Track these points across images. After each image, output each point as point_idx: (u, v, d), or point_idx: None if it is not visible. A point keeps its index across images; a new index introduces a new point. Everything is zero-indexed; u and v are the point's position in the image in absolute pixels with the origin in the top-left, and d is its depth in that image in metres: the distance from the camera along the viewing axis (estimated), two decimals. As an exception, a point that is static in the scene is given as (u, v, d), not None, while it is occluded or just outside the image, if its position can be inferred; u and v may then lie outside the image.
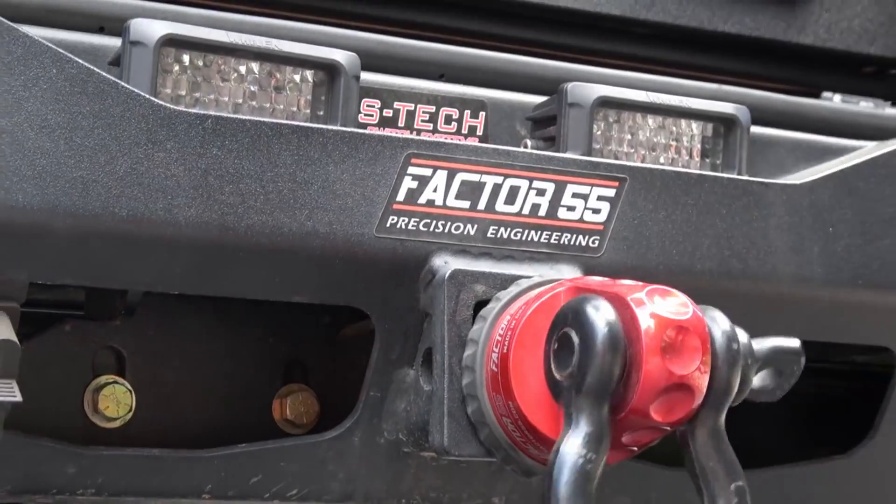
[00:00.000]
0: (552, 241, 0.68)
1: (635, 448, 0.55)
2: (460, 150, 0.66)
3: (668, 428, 0.52)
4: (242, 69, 0.64)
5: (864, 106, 0.96)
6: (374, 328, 0.67)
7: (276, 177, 0.60)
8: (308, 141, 0.61)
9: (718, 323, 0.52)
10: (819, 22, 0.92)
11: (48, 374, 0.71)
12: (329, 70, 0.65)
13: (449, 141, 0.69)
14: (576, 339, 0.50)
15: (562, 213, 0.69)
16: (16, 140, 0.54)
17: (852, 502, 0.88)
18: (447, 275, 0.63)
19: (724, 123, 0.78)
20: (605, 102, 0.72)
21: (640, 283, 0.53)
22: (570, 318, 0.51)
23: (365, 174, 0.63)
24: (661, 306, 0.49)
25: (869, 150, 0.83)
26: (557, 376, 0.52)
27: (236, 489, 0.69)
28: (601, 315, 0.49)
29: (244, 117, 0.60)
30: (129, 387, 0.70)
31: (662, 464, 0.79)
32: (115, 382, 0.69)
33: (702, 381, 0.51)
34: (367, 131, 0.67)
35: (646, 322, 0.49)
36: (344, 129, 0.63)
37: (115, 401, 0.69)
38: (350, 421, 0.69)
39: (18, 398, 0.55)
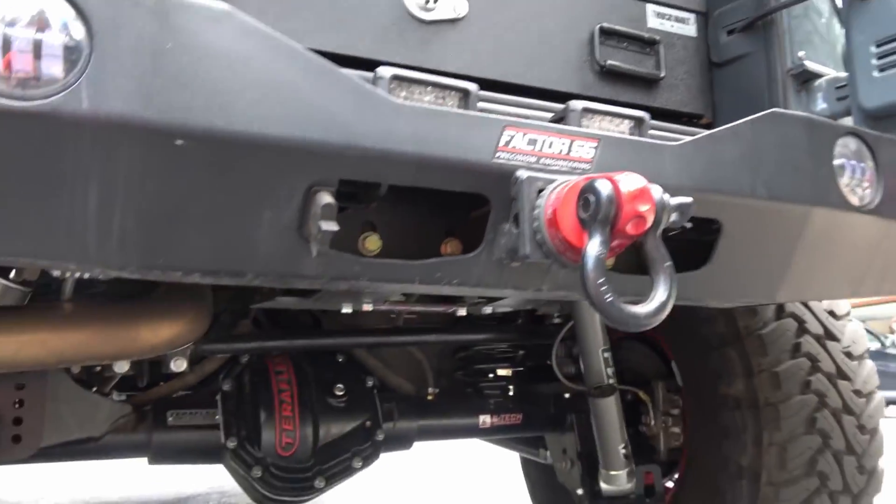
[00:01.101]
0: (570, 164, 1.51)
1: (619, 249, 1.36)
2: (526, 124, 1.48)
3: (634, 238, 1.32)
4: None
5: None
6: (490, 205, 1.47)
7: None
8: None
9: (656, 190, 1.33)
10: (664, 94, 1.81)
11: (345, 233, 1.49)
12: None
13: (521, 120, 1.50)
14: (593, 197, 1.31)
15: (574, 151, 1.51)
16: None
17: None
18: (526, 178, 1.44)
19: (638, 120, 1.63)
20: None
21: (619, 172, 1.35)
22: (590, 188, 1.32)
23: (489, 134, 1.44)
24: (631, 181, 1.30)
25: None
26: (584, 216, 1.32)
27: (428, 280, 1.49)
28: (604, 185, 1.30)
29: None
30: (379, 237, 1.49)
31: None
32: (372, 234, 1.49)
33: (650, 216, 1.31)
34: (490, 116, 1.47)
35: (624, 188, 1.30)
36: (486, 115, 1.44)
37: (373, 242, 1.48)
38: (479, 249, 1.50)
39: (336, 228, 1.32)
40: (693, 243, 1.77)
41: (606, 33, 1.95)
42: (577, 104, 1.59)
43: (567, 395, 3.33)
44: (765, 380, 2.74)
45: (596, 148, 1.53)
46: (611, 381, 2.89)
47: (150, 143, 1.19)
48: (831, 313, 2.89)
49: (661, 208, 1.31)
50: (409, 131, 1.35)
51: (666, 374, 3.23)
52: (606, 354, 2.89)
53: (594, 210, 1.28)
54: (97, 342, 1.81)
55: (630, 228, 1.28)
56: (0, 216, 1.17)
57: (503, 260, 1.51)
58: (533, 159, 1.47)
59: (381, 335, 2.76)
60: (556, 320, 3.23)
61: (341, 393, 2.73)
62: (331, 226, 1.28)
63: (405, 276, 1.46)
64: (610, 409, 2.85)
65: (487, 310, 2.26)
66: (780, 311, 2.82)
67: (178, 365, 2.41)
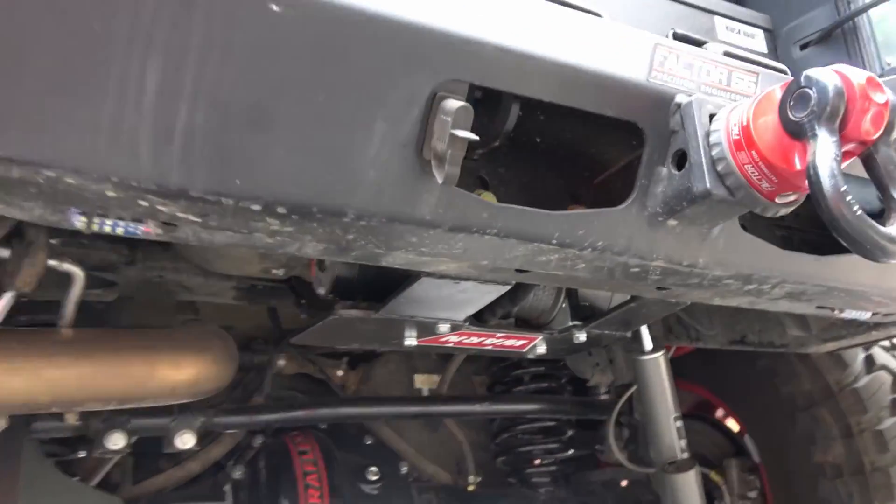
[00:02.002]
0: (731, 97, 1.21)
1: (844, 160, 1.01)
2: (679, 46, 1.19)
3: (864, 144, 1.00)
4: None
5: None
6: (645, 139, 1.15)
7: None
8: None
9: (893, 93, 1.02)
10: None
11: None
12: None
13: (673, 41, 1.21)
14: (812, 92, 1.00)
15: (734, 83, 1.21)
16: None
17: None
18: (692, 101, 1.13)
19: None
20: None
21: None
22: (807, 81, 1.01)
23: (641, 50, 1.14)
24: (854, 71, 1.00)
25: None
26: (798, 118, 1.01)
27: (569, 238, 1.14)
28: (827, 74, 1.00)
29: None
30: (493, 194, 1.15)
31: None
32: (484, 192, 1.14)
33: (886, 112, 0.99)
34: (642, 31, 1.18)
35: (854, 78, 0.99)
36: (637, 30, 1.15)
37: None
38: (630, 199, 1.16)
39: (475, 137, 0.97)
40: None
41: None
42: (716, 45, 1.31)
43: (624, 483, 2.90)
44: (868, 441, 2.36)
45: (756, 83, 1.24)
46: (685, 454, 2.47)
47: (238, 3, 0.86)
48: (921, 366, 2.57)
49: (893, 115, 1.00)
50: (551, 34, 1.05)
51: (736, 452, 2.84)
52: (679, 423, 2.48)
53: (816, 107, 0.97)
54: (104, 376, 1.40)
55: (866, 127, 0.97)
56: (16, 101, 0.81)
57: (658, 215, 1.18)
58: (692, 86, 1.17)
59: (418, 404, 2.33)
60: (604, 396, 2.84)
61: (375, 478, 2.27)
62: (466, 134, 0.94)
63: (541, 231, 1.12)
64: (690, 488, 2.42)
65: (542, 350, 1.87)
66: (871, 364, 2.49)
67: (185, 441, 1.96)
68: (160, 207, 0.94)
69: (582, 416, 2.66)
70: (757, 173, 1.06)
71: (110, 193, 0.90)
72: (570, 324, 1.71)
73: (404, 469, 2.41)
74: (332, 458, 2.23)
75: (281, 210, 0.96)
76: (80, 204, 0.93)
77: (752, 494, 2.72)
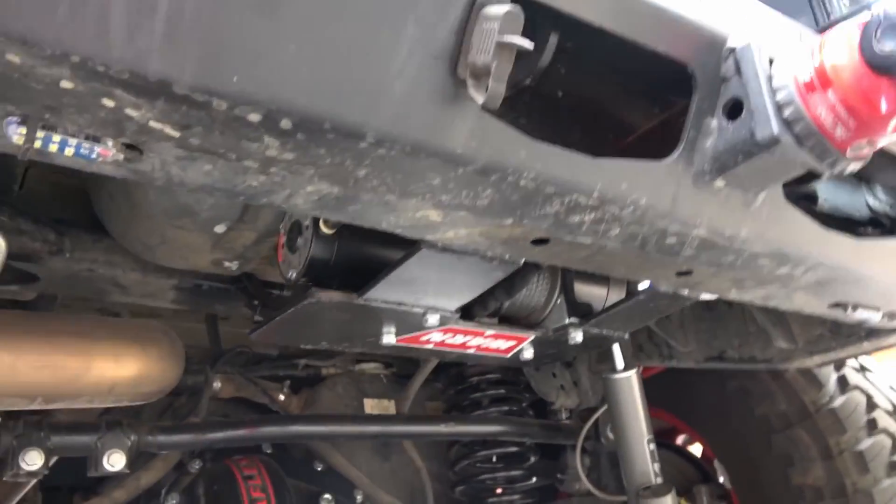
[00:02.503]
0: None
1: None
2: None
3: None
4: None
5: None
6: (696, 85, 1.01)
7: None
8: None
9: None
10: None
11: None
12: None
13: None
14: (903, 20, 0.87)
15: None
16: None
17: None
18: (750, 43, 0.99)
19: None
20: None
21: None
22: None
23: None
24: None
25: None
26: (882, 51, 0.88)
27: (612, 192, 0.97)
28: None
29: None
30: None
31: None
32: None
33: None
34: None
35: None
36: None
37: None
38: (677, 152, 1.01)
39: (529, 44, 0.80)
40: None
41: None
42: None
43: (588, 514, 2.72)
44: (849, 462, 2.26)
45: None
46: (659, 478, 2.31)
47: None
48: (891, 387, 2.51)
49: None
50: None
51: (703, 479, 2.70)
52: (652, 446, 2.33)
53: (909, 33, 0.84)
54: (28, 366, 1.14)
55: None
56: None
57: (705, 174, 1.03)
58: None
59: (378, 423, 2.10)
60: (566, 421, 2.68)
61: (329, 506, 2.03)
62: (518, 40, 0.77)
63: (583, 180, 0.95)
64: (667, 514, 2.26)
65: (528, 355, 1.69)
66: (844, 385, 2.41)
67: (114, 462, 1.68)
68: (130, 112, 0.73)
69: (547, 440, 2.49)
70: (832, 118, 0.92)
71: (66, 84, 0.68)
72: (567, 321, 1.54)
73: (360, 498, 2.17)
74: (281, 483, 1.98)
75: (285, 124, 0.76)
76: (20, 102, 0.71)
77: (723, 523, 2.58)
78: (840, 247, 1.23)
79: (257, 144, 0.79)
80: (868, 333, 1.90)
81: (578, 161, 0.94)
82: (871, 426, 2.33)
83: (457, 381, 2.69)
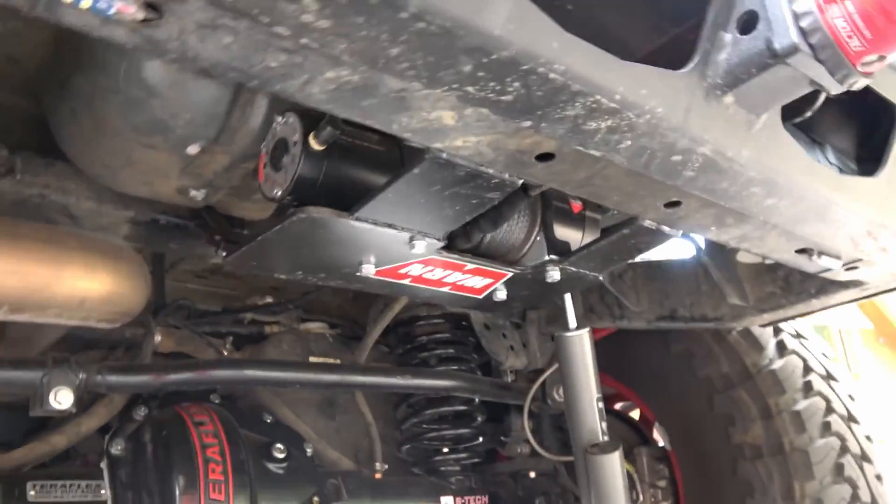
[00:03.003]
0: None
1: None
2: None
3: None
4: None
5: None
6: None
7: None
8: None
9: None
10: None
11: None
12: None
13: None
14: None
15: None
16: None
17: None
18: (766, -42, 1.01)
19: None
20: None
21: None
22: None
23: None
24: None
25: None
26: (901, -38, 0.91)
27: (632, 97, 0.97)
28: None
29: None
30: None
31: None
32: None
33: None
34: None
35: None
36: None
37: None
38: (693, 63, 1.02)
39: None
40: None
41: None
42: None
43: (532, 475, 2.74)
44: (787, 421, 2.35)
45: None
46: (606, 436, 2.35)
47: None
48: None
49: None
50: None
51: (643, 442, 2.77)
52: (600, 405, 2.36)
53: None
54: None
55: None
56: None
57: (717, 87, 1.04)
58: (755, -53, 1.04)
59: (335, 372, 2.06)
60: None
61: (282, 455, 1.97)
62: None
63: (608, 80, 0.94)
64: (615, 470, 2.29)
65: (502, 295, 1.69)
66: (783, 349, 2.50)
67: (62, 399, 1.59)
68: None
69: (497, 398, 2.49)
70: (848, 28, 0.94)
71: None
72: (547, 258, 1.54)
73: (309, 451, 2.12)
74: (234, 430, 1.91)
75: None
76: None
77: (662, 483, 2.64)
78: (824, 180, 1.26)
79: (295, 6, 0.75)
80: (817, 291, 1.97)
81: (606, 60, 0.93)
82: (807, 388, 2.42)
83: (405, 341, 2.66)
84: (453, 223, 1.31)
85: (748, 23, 1.01)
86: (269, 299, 2.72)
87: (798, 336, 2.58)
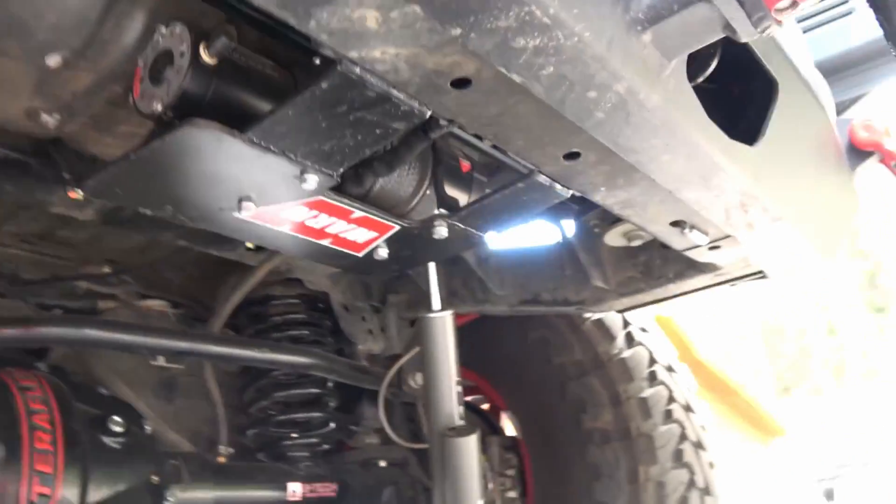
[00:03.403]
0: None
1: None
2: None
3: None
4: None
5: None
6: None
7: None
8: None
9: None
10: None
11: None
12: None
13: None
14: None
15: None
16: None
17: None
18: None
19: None
20: None
21: None
22: None
23: None
24: None
25: None
26: None
27: (564, 13, 0.95)
28: None
29: None
30: None
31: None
32: None
33: None
34: None
35: None
36: None
37: None
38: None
39: None
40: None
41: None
42: None
43: (382, 464, 2.67)
44: (634, 407, 2.44)
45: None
46: (462, 421, 2.33)
47: None
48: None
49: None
50: None
51: (492, 431, 2.77)
52: (459, 389, 2.34)
53: None
54: None
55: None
56: None
57: (637, 23, 1.05)
58: None
59: (184, 339, 1.89)
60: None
61: (120, 429, 1.78)
62: None
63: (546, -10, 0.91)
64: (471, 453, 2.27)
65: (383, 253, 1.63)
66: (631, 340, 2.60)
67: None
68: None
69: (354, 381, 2.40)
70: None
71: None
72: (437, 212, 1.49)
73: (149, 429, 1.93)
74: (66, 399, 1.70)
75: None
76: None
77: (511, 472, 2.66)
78: (715, 140, 1.31)
79: None
80: (675, 275, 2.06)
81: (545, -33, 0.90)
82: (652, 377, 2.53)
83: (257, 321, 2.52)
84: (352, 156, 1.23)
85: None
86: (106, 269, 2.48)
87: (644, 330, 2.69)
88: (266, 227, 1.42)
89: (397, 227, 1.49)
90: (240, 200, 1.31)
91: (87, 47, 1.26)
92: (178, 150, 1.16)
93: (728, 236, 1.68)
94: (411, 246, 1.59)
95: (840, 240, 2.03)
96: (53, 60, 1.27)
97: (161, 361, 2.47)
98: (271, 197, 1.32)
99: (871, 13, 1.56)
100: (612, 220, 2.02)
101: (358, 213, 1.42)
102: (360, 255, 1.59)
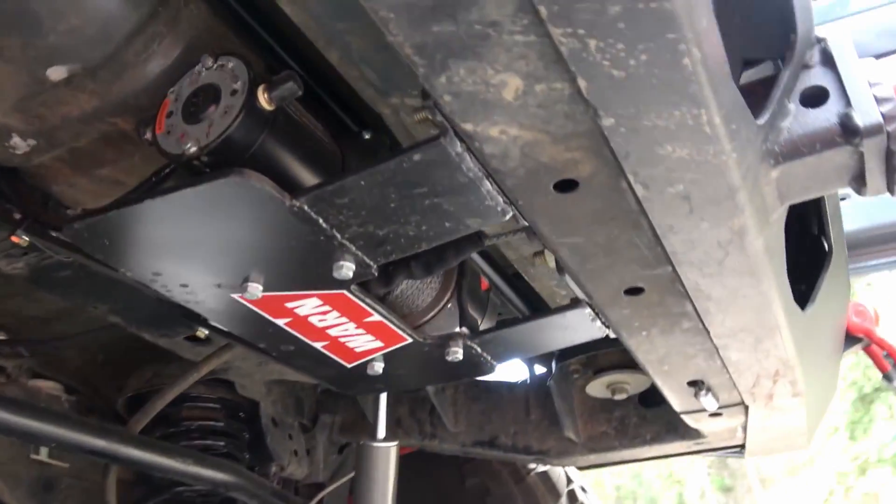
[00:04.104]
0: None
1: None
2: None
3: None
4: None
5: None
6: (794, 46, 0.93)
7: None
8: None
9: None
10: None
11: None
12: None
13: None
14: None
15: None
16: None
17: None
18: (844, 36, 0.96)
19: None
20: None
21: None
22: None
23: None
24: None
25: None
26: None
27: (723, 133, 0.83)
28: None
29: None
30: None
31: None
32: None
33: None
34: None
35: None
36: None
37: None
38: (763, 119, 0.91)
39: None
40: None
41: None
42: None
43: None
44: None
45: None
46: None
47: None
48: None
49: None
50: None
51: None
52: None
53: None
54: None
55: None
56: None
57: (770, 155, 0.94)
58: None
59: (105, 437, 1.57)
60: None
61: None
62: None
63: (721, 92, 0.79)
64: None
65: (378, 368, 1.41)
66: (574, 499, 2.42)
67: None
68: None
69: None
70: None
71: None
72: (458, 330, 1.29)
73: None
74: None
75: None
76: None
77: None
78: (785, 300, 1.20)
79: None
80: (652, 437, 1.92)
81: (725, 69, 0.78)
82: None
83: (166, 422, 2.18)
84: (404, 249, 1.04)
85: (816, 98, 0.94)
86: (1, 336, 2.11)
87: (584, 490, 2.52)
88: (258, 316, 1.19)
89: (409, 341, 1.28)
90: (246, 279, 1.08)
91: (103, 66, 1.05)
92: (205, 204, 0.94)
93: (740, 405, 1.56)
94: (412, 365, 1.37)
95: (818, 425, 1.96)
96: (57, 73, 1.05)
97: (42, 456, 2.08)
98: (287, 282, 1.10)
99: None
100: (599, 368, 1.88)
101: (375, 318, 1.21)
102: (349, 366, 1.37)
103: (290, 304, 1.16)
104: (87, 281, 1.59)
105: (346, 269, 1.04)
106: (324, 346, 1.29)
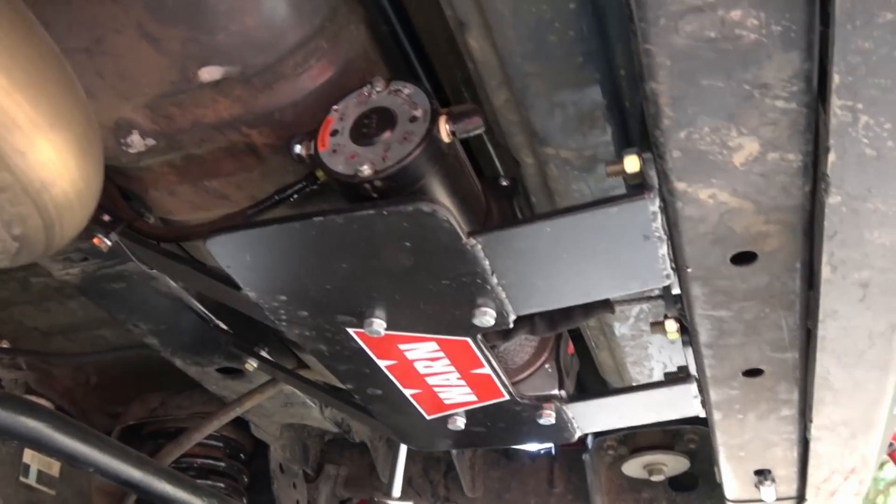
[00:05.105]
0: None
1: None
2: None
3: None
4: None
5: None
6: None
7: None
8: None
9: None
10: None
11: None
12: None
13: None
14: None
15: None
16: None
17: None
18: None
19: None
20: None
21: None
22: None
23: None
24: None
25: None
26: None
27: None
28: None
29: None
30: None
31: None
32: None
33: None
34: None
35: None
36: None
37: None
38: None
39: None
40: None
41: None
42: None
43: None
44: None
45: None
46: None
47: None
48: None
49: None
50: None
51: None
52: None
53: None
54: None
55: None
56: None
57: None
58: None
59: (140, 465, 1.45)
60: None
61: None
62: None
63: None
64: None
65: (460, 424, 1.35)
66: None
67: None
68: None
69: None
70: None
71: None
72: (557, 392, 1.24)
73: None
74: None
75: None
76: None
77: None
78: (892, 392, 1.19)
79: None
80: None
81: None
82: None
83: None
84: (550, 303, 1.00)
85: None
86: (3, 344, 1.97)
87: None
88: (363, 354, 1.13)
89: (505, 398, 1.23)
90: (368, 315, 1.02)
91: (259, 74, 1.00)
92: (371, 232, 0.89)
93: (796, 499, 1.54)
94: (496, 423, 1.32)
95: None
96: (210, 74, 1.00)
97: (31, 480, 1.92)
98: (414, 322, 1.05)
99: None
100: (637, 447, 1.84)
101: (484, 370, 1.15)
102: (429, 418, 1.30)
103: (402, 346, 1.10)
104: (138, 297, 1.50)
105: (489, 316, 0.99)
106: (413, 394, 1.23)
